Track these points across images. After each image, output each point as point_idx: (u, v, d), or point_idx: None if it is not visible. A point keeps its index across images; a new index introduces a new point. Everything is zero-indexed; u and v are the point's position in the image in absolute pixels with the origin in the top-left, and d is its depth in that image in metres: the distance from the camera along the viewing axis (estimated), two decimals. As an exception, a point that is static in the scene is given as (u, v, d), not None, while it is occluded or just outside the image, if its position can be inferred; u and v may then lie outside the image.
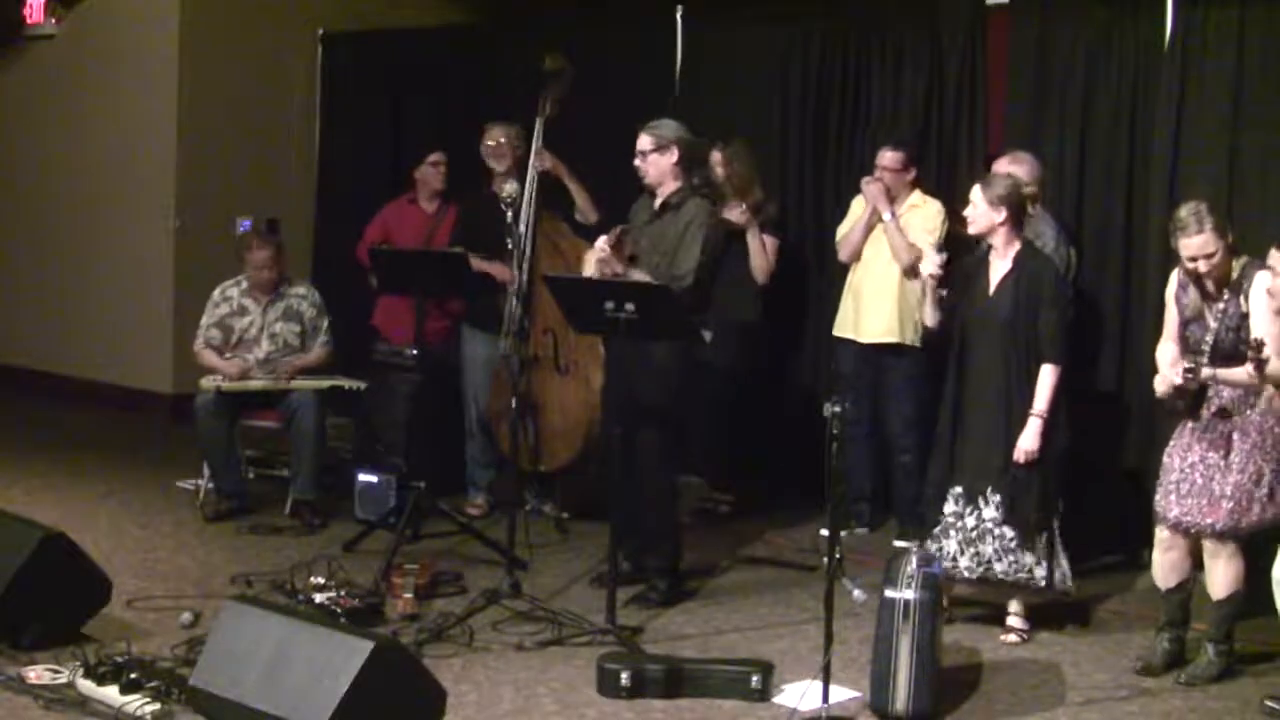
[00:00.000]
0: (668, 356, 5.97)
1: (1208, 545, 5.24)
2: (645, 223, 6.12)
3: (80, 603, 5.30)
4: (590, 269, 6.09)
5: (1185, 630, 5.43)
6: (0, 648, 5.03)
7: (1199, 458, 5.22)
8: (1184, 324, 5.27)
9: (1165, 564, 5.39)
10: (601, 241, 6.00)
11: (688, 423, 6.52)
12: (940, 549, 5.62)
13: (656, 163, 6.04)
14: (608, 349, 5.87)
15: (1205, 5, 6.55)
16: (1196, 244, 5.09)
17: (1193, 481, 5.22)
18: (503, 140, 7.28)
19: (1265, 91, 6.43)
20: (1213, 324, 5.15)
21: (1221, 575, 5.23)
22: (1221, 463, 5.18)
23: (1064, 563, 5.65)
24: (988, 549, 5.58)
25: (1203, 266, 5.11)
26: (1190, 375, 5.00)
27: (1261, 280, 5.07)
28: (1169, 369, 5.17)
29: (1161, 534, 5.37)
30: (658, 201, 6.09)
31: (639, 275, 5.94)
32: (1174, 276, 5.34)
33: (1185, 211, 5.15)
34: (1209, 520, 5.19)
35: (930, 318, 5.83)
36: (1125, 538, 6.72)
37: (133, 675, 4.67)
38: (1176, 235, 5.15)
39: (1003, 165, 6.23)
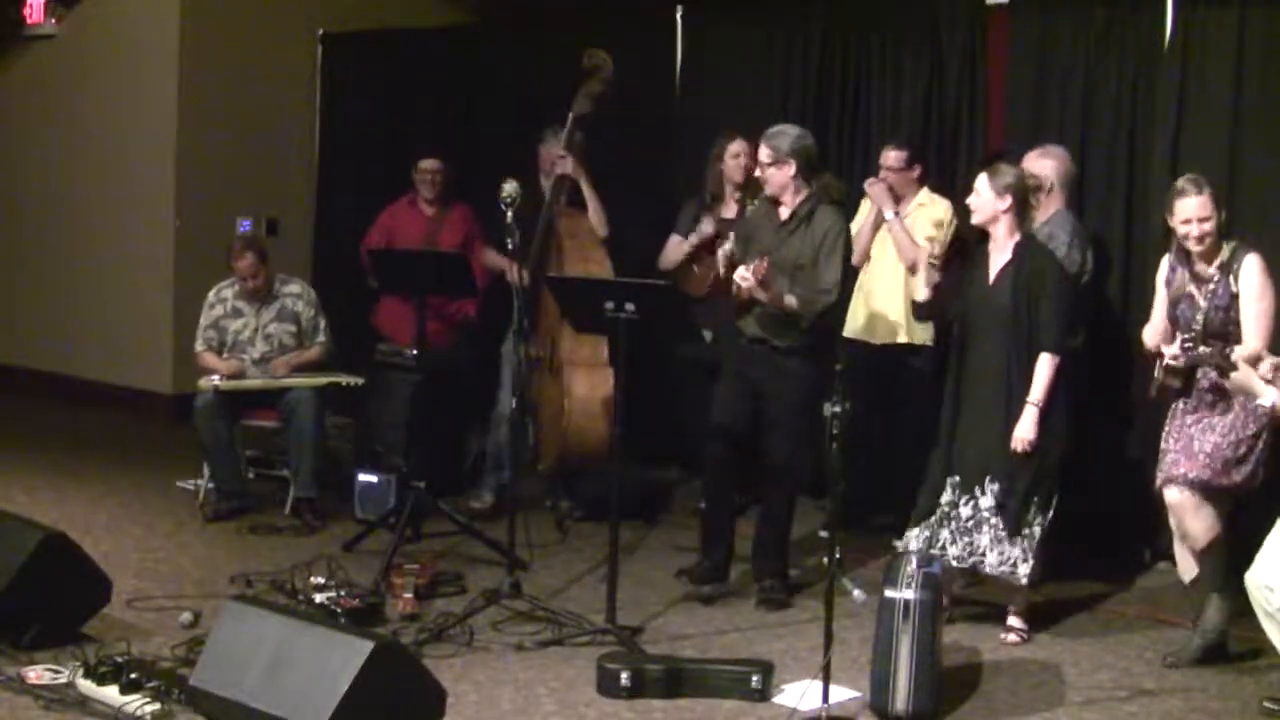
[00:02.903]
0: (800, 365, 5.96)
1: (1173, 498, 5.29)
2: (778, 238, 6.01)
3: (80, 603, 5.29)
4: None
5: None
6: (0, 648, 5.03)
7: (1192, 422, 5.30)
8: (1173, 304, 5.33)
9: (1183, 558, 5.45)
10: (746, 271, 5.88)
11: (694, 424, 6.56)
12: (932, 537, 5.61)
13: (774, 176, 5.98)
14: (726, 359, 5.93)
15: (1205, 5, 6.55)
16: (1193, 205, 5.16)
17: (1184, 445, 5.30)
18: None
19: (1265, 91, 6.43)
20: (1202, 304, 5.21)
21: (1196, 528, 5.28)
22: (1213, 422, 5.26)
23: (1043, 557, 5.61)
24: (982, 539, 5.56)
25: (1195, 230, 5.16)
26: (1189, 345, 5.05)
27: (1251, 263, 5.14)
28: (1163, 342, 5.24)
29: (1172, 520, 5.40)
30: (785, 212, 6.03)
31: (787, 299, 5.90)
32: (1164, 261, 5.40)
33: (1182, 180, 5.26)
34: (1182, 470, 5.26)
35: (921, 291, 5.85)
36: (1125, 537, 6.73)
37: (133, 675, 4.67)
38: (1173, 203, 5.22)
39: (1031, 159, 6.21)
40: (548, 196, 7.07)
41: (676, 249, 7.30)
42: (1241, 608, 5.30)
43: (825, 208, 6.00)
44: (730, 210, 7.22)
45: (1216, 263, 5.21)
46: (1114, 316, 6.85)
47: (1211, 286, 5.19)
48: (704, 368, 6.93)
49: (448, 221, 7.84)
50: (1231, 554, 5.30)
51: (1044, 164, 6.17)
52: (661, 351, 7.10)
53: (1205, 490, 5.27)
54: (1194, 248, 5.20)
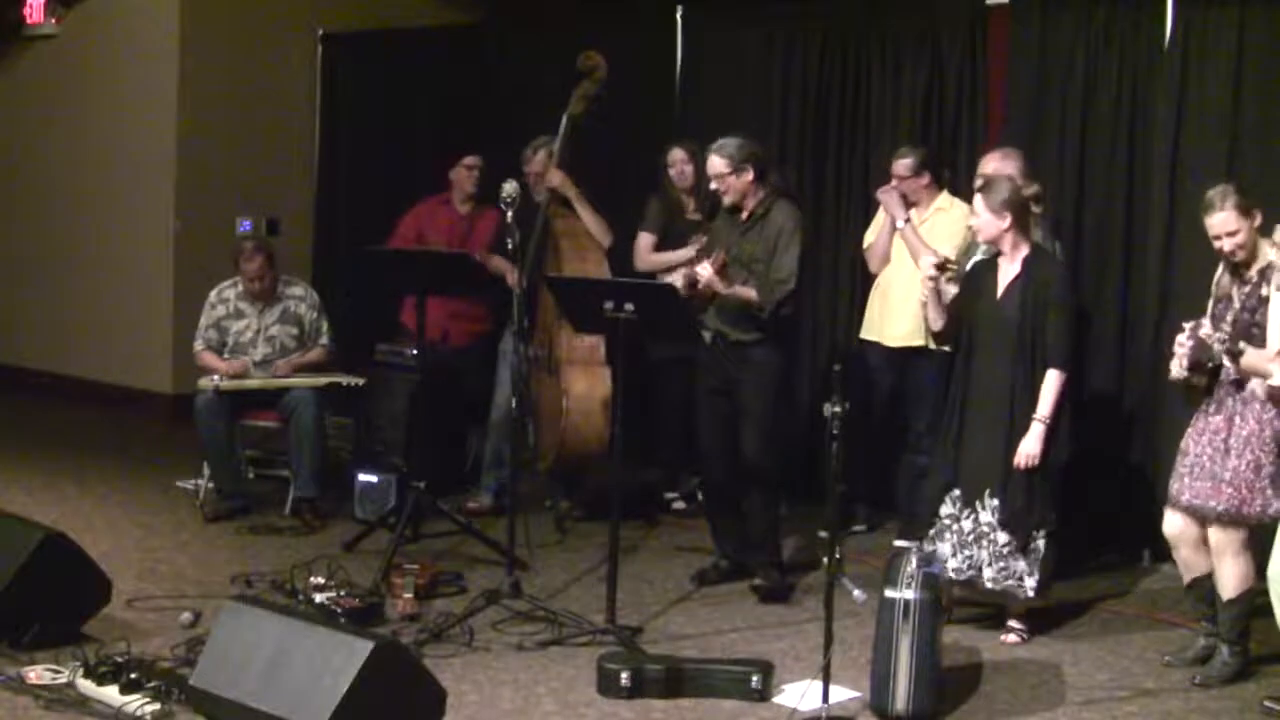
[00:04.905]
0: (766, 353, 6.04)
1: (1214, 538, 5.23)
2: (737, 236, 6.09)
3: (80, 603, 5.29)
4: (677, 281, 6.08)
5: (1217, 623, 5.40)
6: (0, 648, 5.03)
7: (1208, 441, 5.25)
8: (1215, 303, 5.33)
9: (1179, 563, 5.43)
10: (704, 268, 5.98)
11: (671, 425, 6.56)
12: (934, 550, 5.60)
13: (734, 184, 6.04)
14: (702, 355, 6.02)
15: (1205, 5, 6.55)
16: (1218, 221, 5.18)
17: (1203, 465, 5.25)
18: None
19: (1265, 91, 6.43)
20: (1237, 304, 5.21)
21: (1229, 573, 5.22)
22: (1223, 446, 5.21)
23: (1049, 569, 5.60)
24: (982, 553, 5.56)
25: (1226, 245, 5.19)
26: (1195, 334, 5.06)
27: None
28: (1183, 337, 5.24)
29: (1172, 523, 5.34)
30: (744, 214, 6.10)
31: (744, 290, 5.97)
32: (1221, 264, 5.38)
33: (1212, 191, 5.25)
34: (1212, 503, 5.20)
35: (935, 321, 5.81)
36: (1125, 537, 6.73)
37: (133, 675, 4.67)
38: (1203, 214, 5.24)
39: (993, 161, 6.19)
40: (541, 202, 7.05)
41: (649, 252, 7.25)
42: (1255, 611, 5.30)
43: (781, 203, 6.09)
44: (692, 213, 7.23)
45: (1256, 266, 5.20)
46: (1114, 317, 6.85)
47: (1248, 289, 5.20)
48: (680, 368, 6.92)
49: (479, 222, 7.81)
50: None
51: (1007, 165, 6.13)
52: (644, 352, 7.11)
53: (1239, 522, 5.17)
54: (1233, 258, 5.22)
